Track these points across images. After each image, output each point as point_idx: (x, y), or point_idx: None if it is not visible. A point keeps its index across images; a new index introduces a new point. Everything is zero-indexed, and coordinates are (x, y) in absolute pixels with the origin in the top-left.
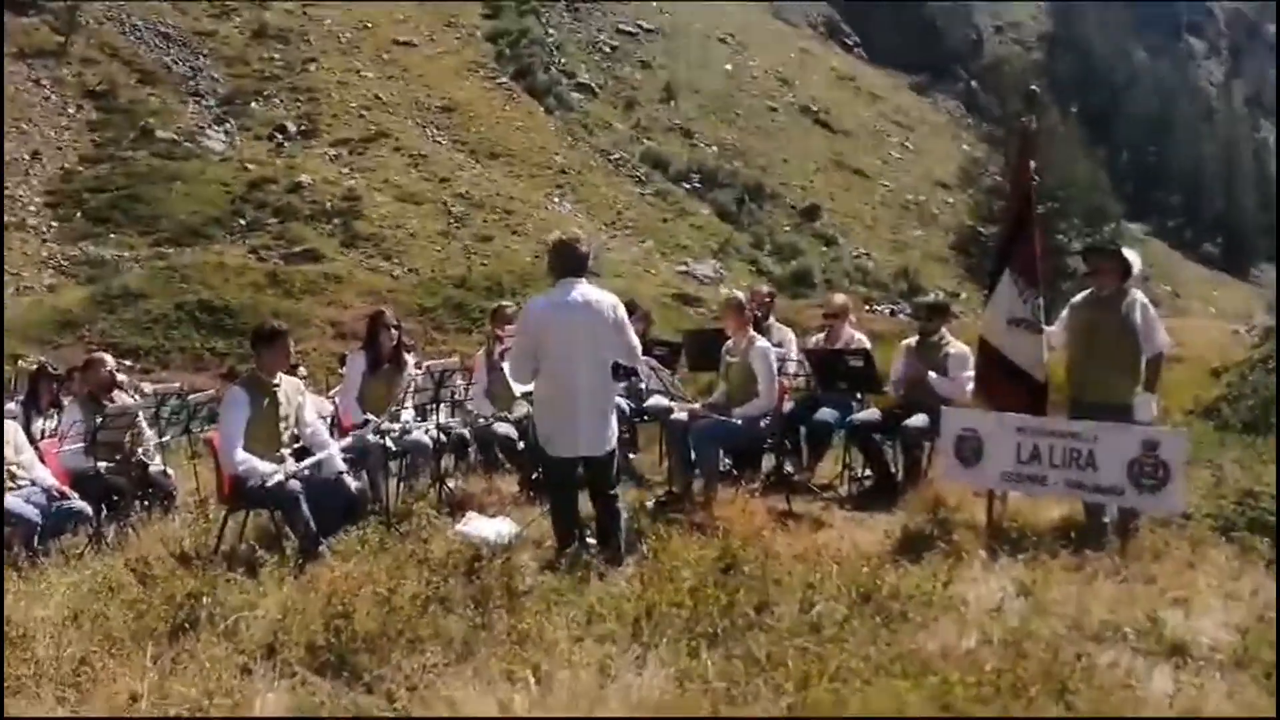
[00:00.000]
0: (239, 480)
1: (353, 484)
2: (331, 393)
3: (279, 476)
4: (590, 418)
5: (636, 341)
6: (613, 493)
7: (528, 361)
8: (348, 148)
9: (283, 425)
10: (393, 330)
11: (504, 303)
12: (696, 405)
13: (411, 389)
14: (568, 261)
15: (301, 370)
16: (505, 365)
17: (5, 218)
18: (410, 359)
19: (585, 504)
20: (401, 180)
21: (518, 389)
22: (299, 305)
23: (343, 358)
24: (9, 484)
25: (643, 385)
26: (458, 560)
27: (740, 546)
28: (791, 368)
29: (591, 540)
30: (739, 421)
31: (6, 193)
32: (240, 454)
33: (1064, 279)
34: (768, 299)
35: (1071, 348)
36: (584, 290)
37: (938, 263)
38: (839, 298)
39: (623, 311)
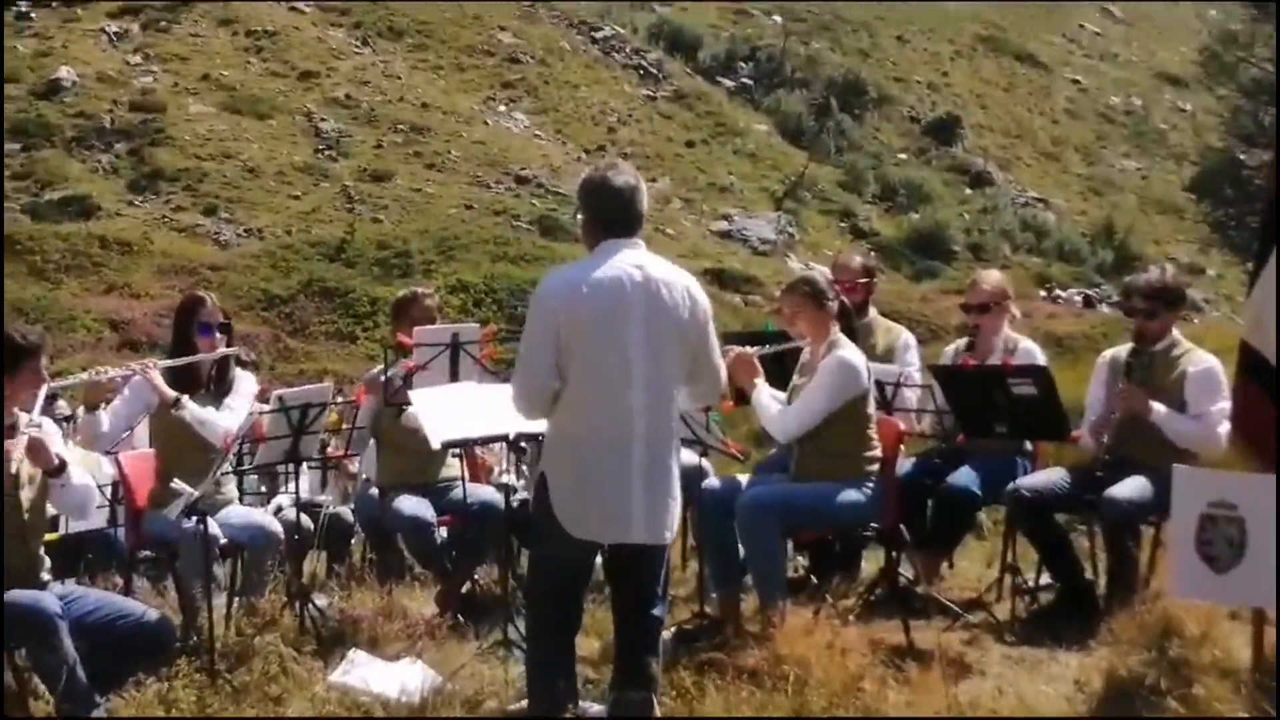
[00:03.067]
0: None
1: (149, 611)
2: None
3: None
4: (650, 481)
5: (722, 366)
6: (657, 614)
7: (546, 379)
8: (139, 19)
9: (25, 506)
10: (217, 333)
11: (418, 289)
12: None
13: (247, 435)
14: (614, 211)
15: (61, 405)
16: (414, 396)
17: None
18: (249, 382)
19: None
20: (233, 76)
21: (437, 438)
22: (55, 293)
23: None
24: None
25: None
26: None
27: (824, 710)
28: (911, 398)
29: (587, 704)
30: (822, 490)
31: None
32: None
33: None
34: (862, 280)
35: None
36: (644, 261)
37: (1165, 215)
38: (992, 277)
39: (709, 307)
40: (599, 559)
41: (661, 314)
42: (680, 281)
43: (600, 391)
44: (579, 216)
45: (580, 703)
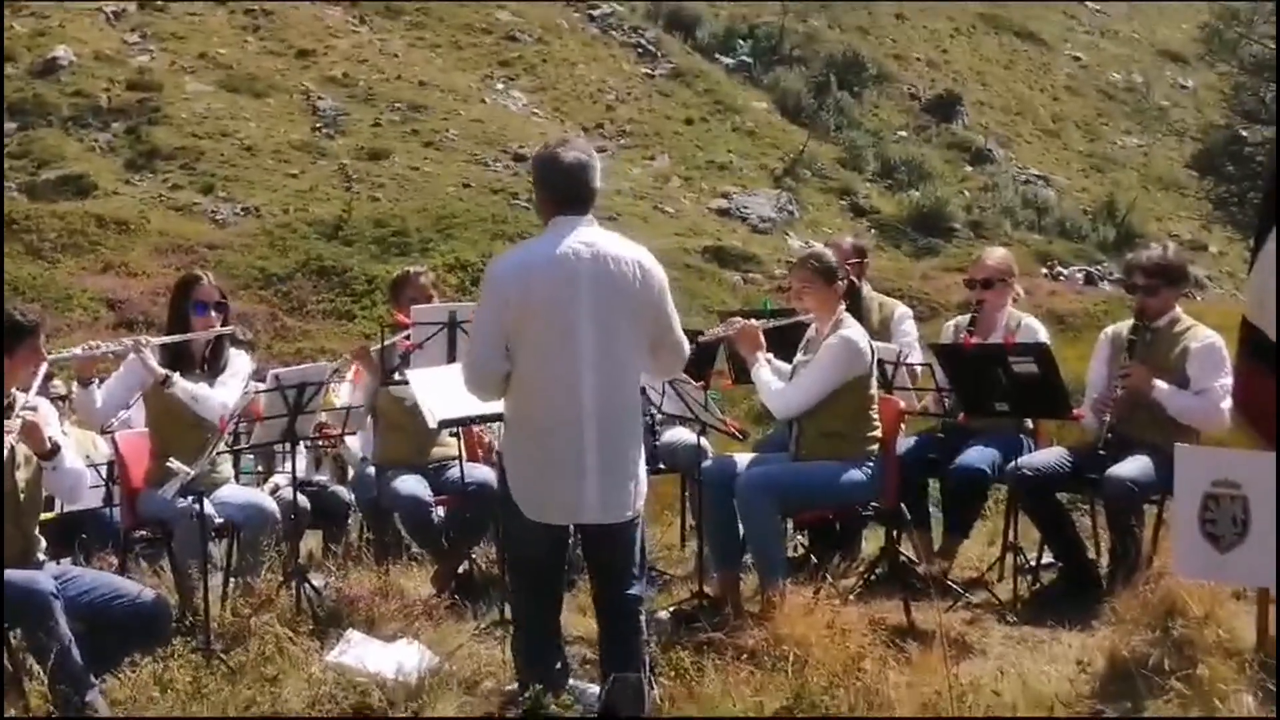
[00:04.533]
0: None
1: (145, 591)
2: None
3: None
4: (603, 460)
5: (683, 338)
6: (634, 593)
7: (494, 362)
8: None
9: (20, 486)
10: (213, 311)
11: (412, 268)
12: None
13: (244, 414)
14: (564, 188)
15: (57, 384)
16: (410, 375)
17: None
18: (244, 361)
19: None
20: (231, 55)
21: (434, 416)
22: (53, 272)
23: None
24: None
25: (653, 410)
26: (331, 715)
27: (824, 690)
28: (910, 375)
29: (583, 685)
30: (823, 470)
31: None
32: None
33: None
34: (854, 260)
35: None
36: (594, 238)
37: (1167, 192)
38: (997, 253)
39: (664, 276)
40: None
41: (611, 291)
42: (631, 256)
43: (550, 372)
44: (536, 195)
45: (576, 682)
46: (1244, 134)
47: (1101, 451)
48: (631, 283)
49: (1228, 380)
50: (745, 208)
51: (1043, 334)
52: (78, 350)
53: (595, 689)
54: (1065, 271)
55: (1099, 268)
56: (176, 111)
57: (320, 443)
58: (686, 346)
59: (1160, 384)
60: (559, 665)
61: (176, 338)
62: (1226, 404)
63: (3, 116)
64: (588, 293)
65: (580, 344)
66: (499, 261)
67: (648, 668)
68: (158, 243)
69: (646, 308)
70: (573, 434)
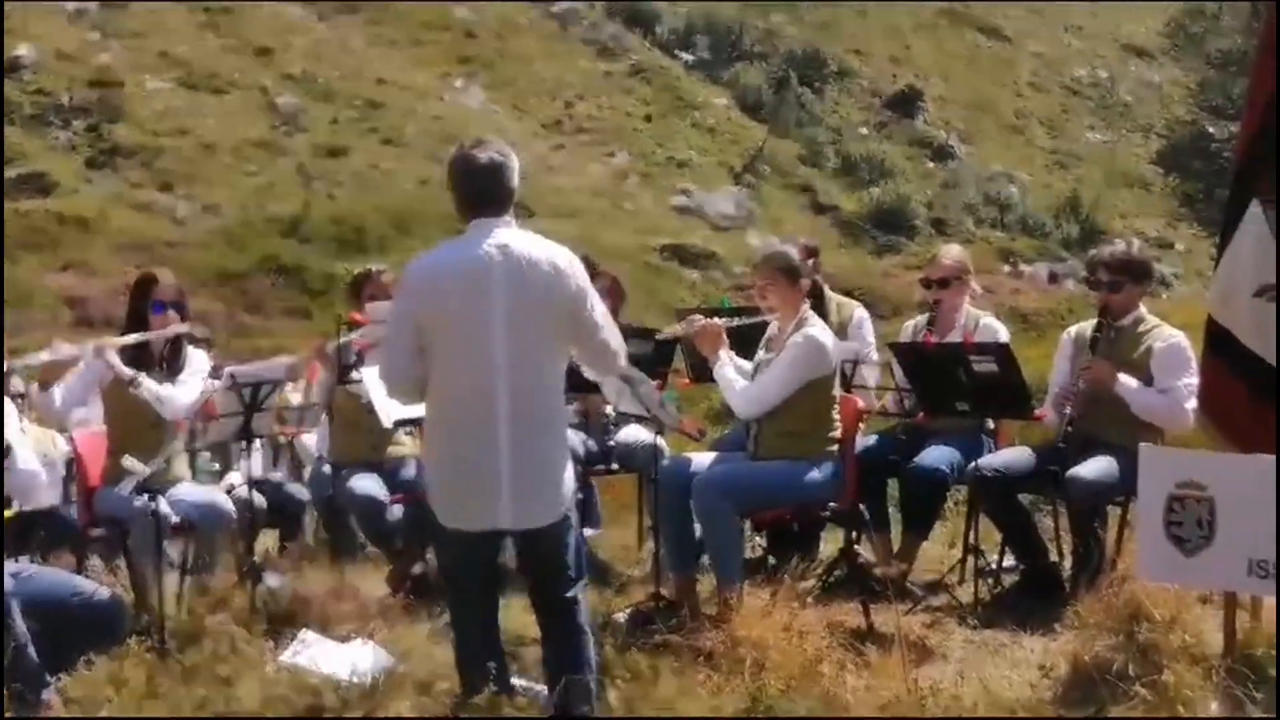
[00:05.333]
0: None
1: (101, 590)
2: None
3: None
4: (520, 465)
5: (615, 333)
6: (570, 595)
7: (407, 367)
8: None
9: None
10: (171, 310)
11: (373, 266)
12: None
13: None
14: (479, 188)
15: (15, 381)
16: (365, 374)
17: None
18: (201, 359)
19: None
20: (190, 52)
21: (389, 415)
22: (15, 269)
23: None
24: None
25: (608, 409)
26: (285, 716)
27: (782, 693)
28: (870, 375)
29: (526, 683)
30: (780, 469)
31: None
32: None
33: None
34: (806, 257)
35: None
36: (509, 240)
37: (1132, 188)
38: (953, 252)
39: (583, 276)
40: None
41: (525, 293)
42: (546, 257)
43: (462, 377)
44: (453, 196)
45: (528, 684)
46: (1210, 130)
47: (1062, 444)
48: (546, 284)
49: (1193, 380)
50: (705, 205)
51: (1003, 333)
52: (44, 355)
53: (543, 688)
54: (1028, 269)
55: (1063, 265)
56: (136, 109)
57: (279, 439)
58: (618, 345)
59: (1124, 378)
60: (497, 669)
61: (136, 337)
62: (1191, 404)
63: (2, 118)
64: (500, 295)
65: (493, 347)
66: (412, 264)
67: (595, 669)
68: (118, 241)
69: (563, 309)
70: (487, 439)
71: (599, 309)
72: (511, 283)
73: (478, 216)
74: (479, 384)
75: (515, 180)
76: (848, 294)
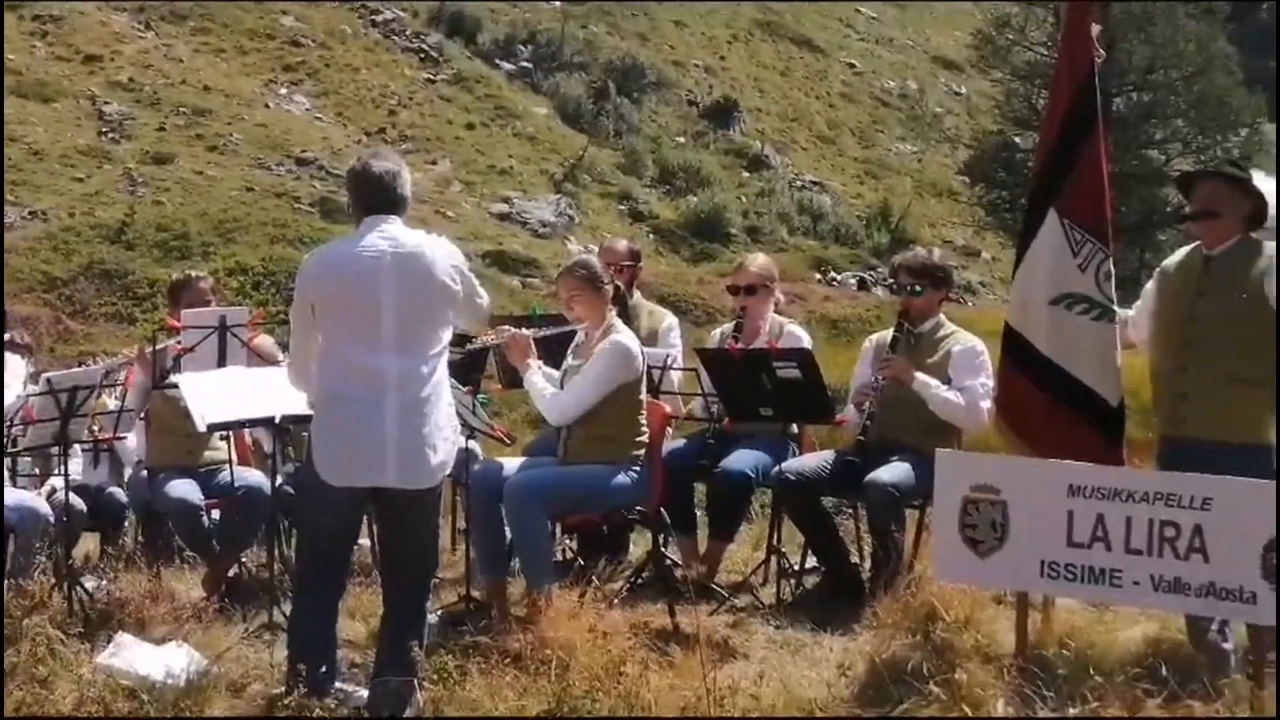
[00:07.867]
0: None
1: None
2: None
3: None
4: (403, 429)
5: (484, 299)
6: (426, 567)
7: (309, 349)
8: None
9: None
10: None
11: (191, 272)
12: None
13: (17, 417)
14: (373, 194)
15: None
16: (181, 380)
17: None
18: (16, 364)
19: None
20: (20, 61)
21: (204, 420)
22: None
23: None
24: None
25: None
26: (100, 717)
27: (586, 693)
28: (677, 380)
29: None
30: (589, 474)
31: None
32: None
33: (1158, 227)
34: (628, 263)
35: (1161, 345)
36: (397, 233)
37: (940, 198)
38: (759, 260)
39: (457, 256)
40: (368, 543)
41: (412, 278)
42: (428, 243)
43: (354, 355)
44: (349, 202)
45: (343, 685)
46: (1016, 140)
47: (861, 438)
48: (434, 271)
49: (988, 381)
50: (525, 213)
51: (806, 340)
52: None
53: (364, 692)
54: (839, 277)
55: (873, 273)
56: None
57: (99, 444)
58: (486, 306)
59: (921, 376)
60: (325, 668)
61: None
62: (986, 403)
63: (2, 120)
64: (389, 282)
65: (383, 327)
66: (306, 258)
67: (419, 673)
68: None
69: (446, 287)
70: (375, 406)
71: (469, 275)
72: (399, 269)
73: (371, 214)
74: (369, 362)
75: (407, 189)
76: (662, 301)
